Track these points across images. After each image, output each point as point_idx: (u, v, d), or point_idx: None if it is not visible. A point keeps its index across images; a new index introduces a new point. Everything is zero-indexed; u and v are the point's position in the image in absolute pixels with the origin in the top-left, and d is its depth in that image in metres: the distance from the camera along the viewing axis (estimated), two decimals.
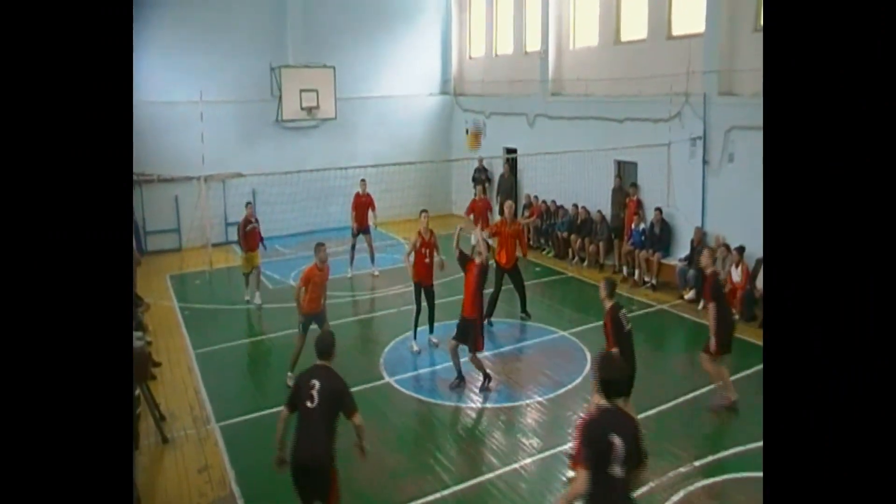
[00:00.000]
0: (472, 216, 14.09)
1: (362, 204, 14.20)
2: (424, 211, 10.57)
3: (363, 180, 14.25)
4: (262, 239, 12.61)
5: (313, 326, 8.88)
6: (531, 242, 15.71)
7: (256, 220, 12.53)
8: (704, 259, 8.62)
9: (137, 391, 7.46)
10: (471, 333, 8.61)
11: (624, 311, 7.21)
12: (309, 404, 5.14)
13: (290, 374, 8.83)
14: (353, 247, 14.27)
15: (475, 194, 14.95)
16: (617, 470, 3.79)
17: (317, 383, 5.16)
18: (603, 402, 3.97)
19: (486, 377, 8.79)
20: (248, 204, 12.89)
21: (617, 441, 3.80)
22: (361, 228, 14.22)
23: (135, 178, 14.84)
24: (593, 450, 3.86)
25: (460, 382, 8.89)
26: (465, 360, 8.88)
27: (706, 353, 8.15)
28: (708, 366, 8.20)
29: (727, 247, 11.48)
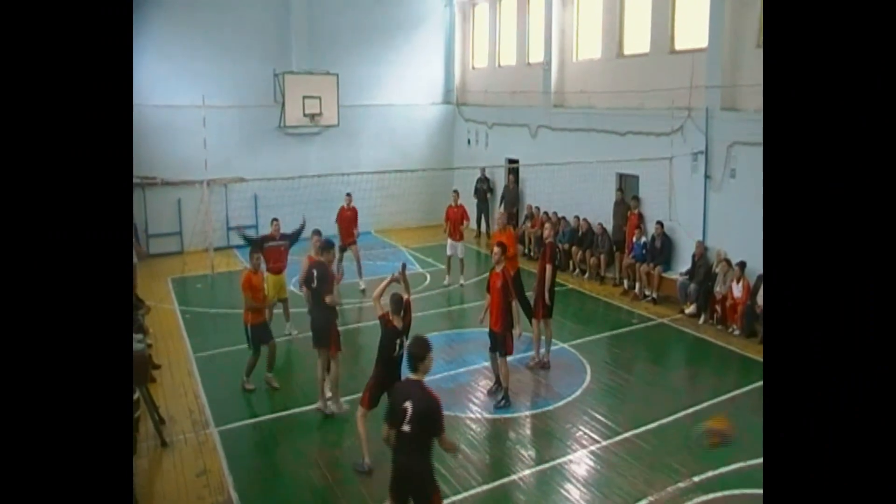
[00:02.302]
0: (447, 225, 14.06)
1: (346, 218, 13.69)
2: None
3: (349, 195, 13.79)
4: (296, 238, 11.13)
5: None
6: (531, 253, 15.71)
7: (281, 237, 10.95)
8: (546, 231, 10.30)
9: (137, 394, 7.46)
10: (499, 342, 8.66)
11: (404, 338, 6.97)
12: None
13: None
14: (339, 261, 12.82)
15: (452, 202, 14.46)
16: (406, 428, 5.03)
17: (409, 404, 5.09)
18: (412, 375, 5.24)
19: (503, 388, 8.79)
20: (273, 220, 11.28)
21: (408, 406, 5.01)
22: (346, 243, 13.61)
23: (138, 180, 14.87)
24: (391, 410, 5.23)
25: (498, 388, 8.92)
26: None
27: (535, 319, 9.81)
28: (538, 328, 9.84)
29: (728, 262, 11.51)
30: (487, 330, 8.98)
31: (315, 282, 8.37)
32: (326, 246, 8.66)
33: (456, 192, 14.91)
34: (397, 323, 7.02)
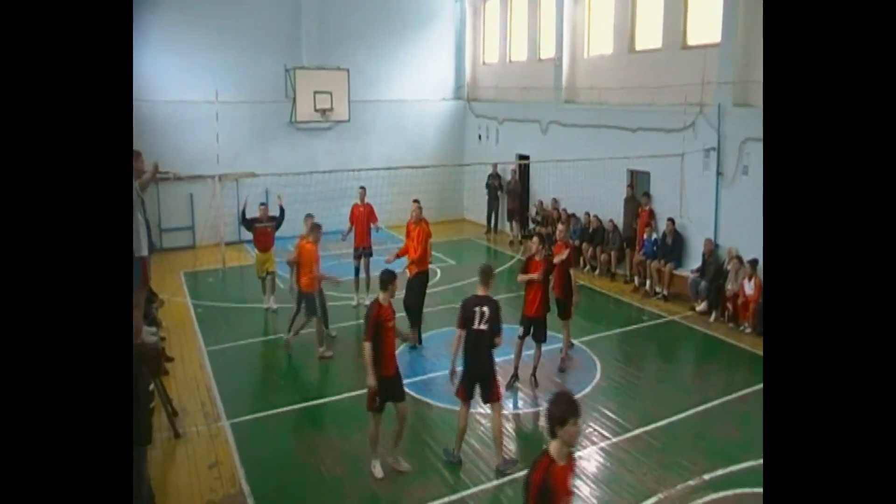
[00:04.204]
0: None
1: (360, 216, 12.54)
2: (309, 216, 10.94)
3: (362, 188, 12.87)
4: (282, 216, 12.28)
5: None
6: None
7: (268, 219, 12.23)
8: (559, 231, 10.30)
9: (152, 386, 7.53)
10: (539, 329, 9.05)
11: (483, 308, 7.02)
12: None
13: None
14: (357, 270, 12.44)
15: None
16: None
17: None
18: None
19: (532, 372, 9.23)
20: (261, 205, 12.63)
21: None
22: (362, 248, 12.40)
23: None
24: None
25: (514, 382, 9.09)
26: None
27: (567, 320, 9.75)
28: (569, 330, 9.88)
29: (740, 259, 11.47)
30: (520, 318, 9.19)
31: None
32: (383, 280, 6.98)
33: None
34: (481, 292, 7.12)
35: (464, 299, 7.18)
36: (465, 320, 6.95)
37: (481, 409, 8.54)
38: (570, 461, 3.97)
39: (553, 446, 3.89)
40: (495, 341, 6.97)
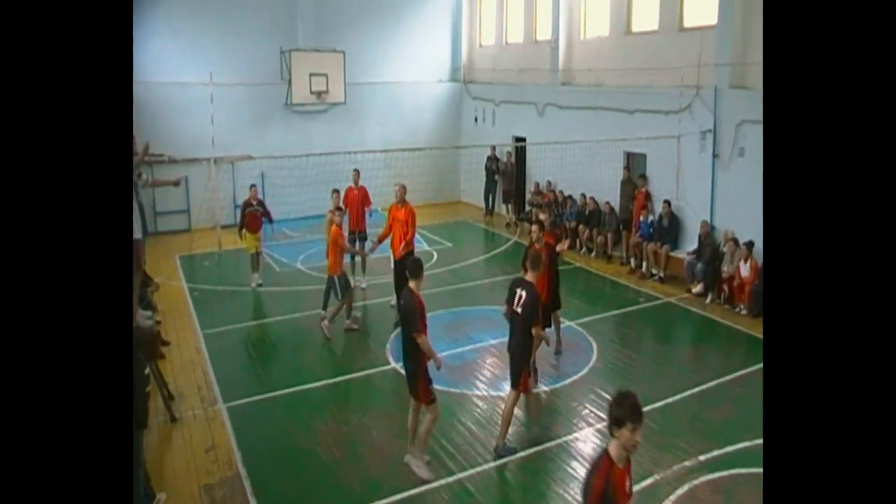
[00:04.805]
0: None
1: (354, 199, 12.43)
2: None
3: (356, 171, 12.79)
4: (269, 219, 12.81)
5: None
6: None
7: (258, 203, 12.61)
8: (542, 217, 9.92)
9: (148, 370, 7.52)
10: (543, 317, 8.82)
11: (522, 292, 6.98)
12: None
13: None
14: (353, 256, 12.31)
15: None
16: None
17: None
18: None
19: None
20: (251, 186, 12.95)
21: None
22: (357, 231, 12.36)
23: (146, 158, 14.84)
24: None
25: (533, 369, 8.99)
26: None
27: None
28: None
29: (735, 241, 11.47)
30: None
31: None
32: (416, 268, 6.83)
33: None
34: (529, 278, 7.12)
35: (515, 278, 7.45)
36: (509, 299, 7.21)
37: (478, 391, 8.59)
38: (627, 464, 3.90)
39: (612, 447, 3.79)
40: (533, 331, 7.01)
